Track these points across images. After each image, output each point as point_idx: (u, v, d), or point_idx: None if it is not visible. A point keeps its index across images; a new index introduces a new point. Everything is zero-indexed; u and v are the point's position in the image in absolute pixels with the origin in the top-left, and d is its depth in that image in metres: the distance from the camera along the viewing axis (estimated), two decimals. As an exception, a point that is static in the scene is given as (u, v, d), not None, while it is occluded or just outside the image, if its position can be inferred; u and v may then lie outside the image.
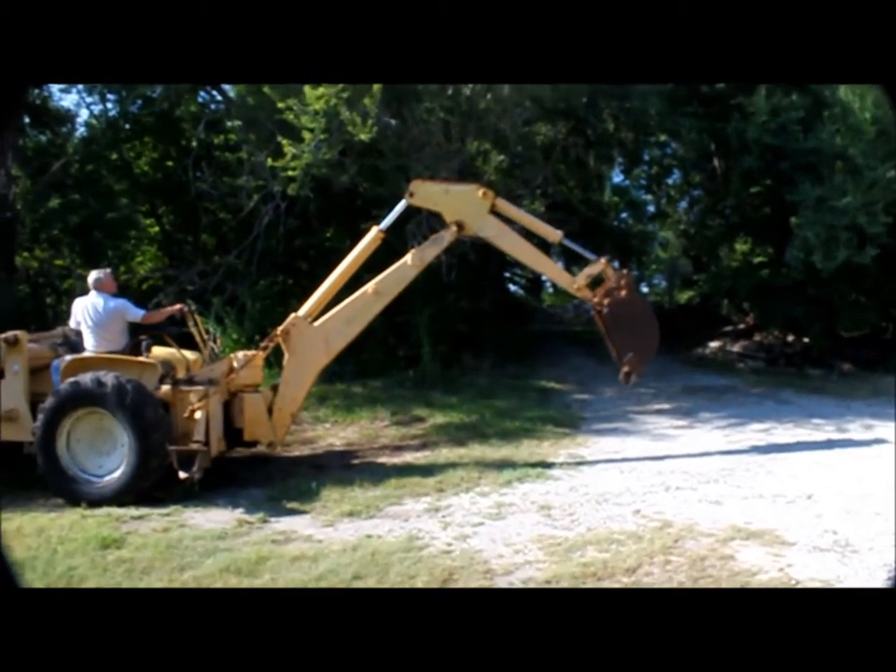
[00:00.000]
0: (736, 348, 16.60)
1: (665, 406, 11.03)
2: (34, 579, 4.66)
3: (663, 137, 18.37)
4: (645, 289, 34.32)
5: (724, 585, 4.50)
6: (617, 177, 26.54)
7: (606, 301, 7.64)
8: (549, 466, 7.47)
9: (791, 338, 15.73)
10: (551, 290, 33.39)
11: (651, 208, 28.74)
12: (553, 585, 4.55)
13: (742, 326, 17.98)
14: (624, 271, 8.29)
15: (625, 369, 7.72)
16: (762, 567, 4.75)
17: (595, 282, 7.91)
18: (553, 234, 7.80)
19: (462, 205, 7.59)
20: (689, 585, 4.52)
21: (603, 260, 7.79)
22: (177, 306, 7.42)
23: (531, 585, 4.58)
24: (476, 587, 4.49)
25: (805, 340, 15.27)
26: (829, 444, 8.25)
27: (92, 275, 7.14)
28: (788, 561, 4.87)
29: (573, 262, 18.87)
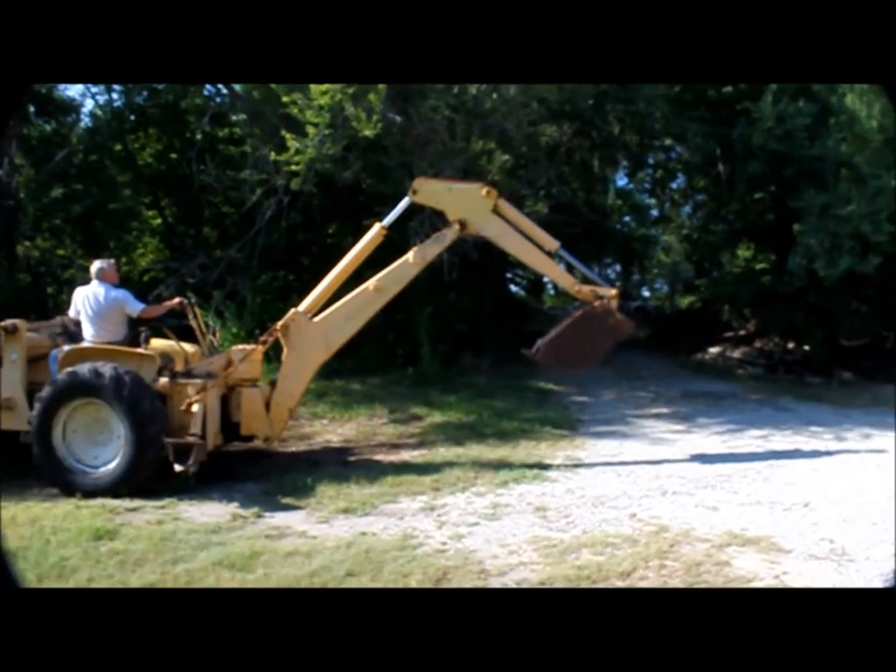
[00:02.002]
0: (737, 354, 16.60)
1: (664, 410, 11.00)
2: (26, 569, 4.63)
3: (668, 141, 18.35)
4: (646, 293, 34.40)
5: (719, 591, 4.48)
6: (621, 180, 26.59)
7: (597, 305, 7.59)
8: (546, 467, 7.45)
9: (791, 345, 15.74)
10: (552, 292, 33.45)
11: (655, 212, 28.80)
12: (547, 587, 4.53)
13: (743, 332, 18.00)
14: (633, 323, 8.21)
15: (537, 352, 7.63)
16: (757, 574, 4.72)
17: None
18: (552, 243, 7.72)
19: (465, 204, 7.55)
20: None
21: (615, 291, 7.75)
22: (176, 300, 7.38)
23: (525, 586, 4.56)
24: (469, 587, 4.46)
25: (806, 347, 15.28)
26: (827, 452, 8.22)
27: (96, 265, 7.11)
28: (783, 568, 4.83)
29: (574, 266, 18.81)
